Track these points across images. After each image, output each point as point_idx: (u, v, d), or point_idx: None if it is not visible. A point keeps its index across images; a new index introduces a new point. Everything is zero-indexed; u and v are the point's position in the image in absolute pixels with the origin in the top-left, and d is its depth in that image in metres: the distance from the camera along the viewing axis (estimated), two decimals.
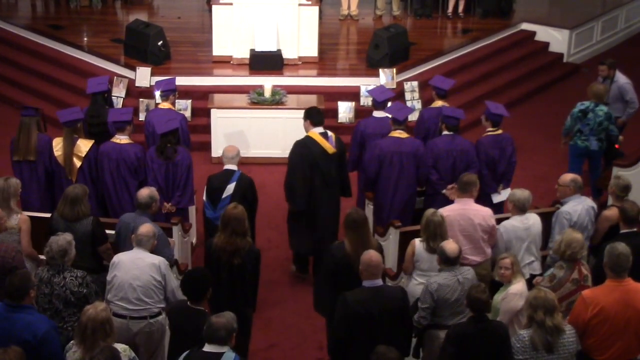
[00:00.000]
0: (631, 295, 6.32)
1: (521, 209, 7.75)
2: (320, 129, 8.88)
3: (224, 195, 8.35)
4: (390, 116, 9.16)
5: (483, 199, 8.71)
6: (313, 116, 8.94)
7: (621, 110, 10.94)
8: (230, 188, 8.36)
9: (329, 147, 8.79)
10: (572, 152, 10.53)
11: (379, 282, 6.44)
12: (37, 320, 6.05)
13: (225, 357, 5.64)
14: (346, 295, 6.33)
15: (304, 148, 8.75)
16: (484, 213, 7.82)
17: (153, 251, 7.22)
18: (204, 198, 8.56)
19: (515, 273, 6.88)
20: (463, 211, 7.74)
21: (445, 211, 7.63)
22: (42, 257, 7.32)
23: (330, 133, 8.93)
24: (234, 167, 8.52)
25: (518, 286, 6.76)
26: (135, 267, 6.86)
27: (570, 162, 10.56)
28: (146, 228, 7.01)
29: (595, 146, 10.27)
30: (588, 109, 10.22)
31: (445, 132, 9.03)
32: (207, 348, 5.69)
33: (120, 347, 5.81)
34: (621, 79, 10.98)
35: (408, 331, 6.58)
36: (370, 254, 6.45)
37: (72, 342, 5.88)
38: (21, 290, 6.04)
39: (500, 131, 9.22)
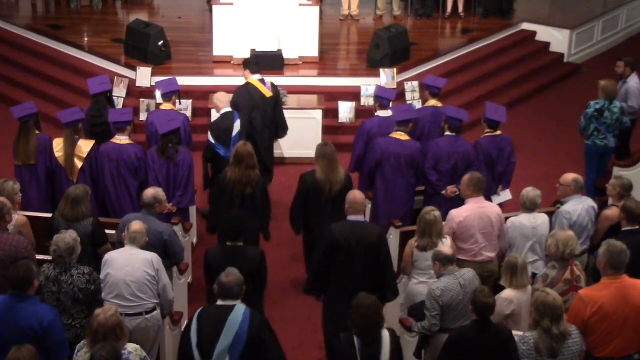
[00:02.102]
0: (628, 291, 6.34)
1: (526, 207, 7.78)
2: (258, 76, 10.10)
3: (233, 134, 9.41)
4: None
5: None
6: (251, 65, 10.18)
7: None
8: (237, 125, 9.48)
9: (266, 91, 10.04)
10: (589, 152, 10.32)
11: (361, 217, 7.32)
12: (43, 309, 6.08)
13: (237, 308, 6.01)
14: (332, 226, 7.24)
15: (245, 93, 9.93)
16: (497, 210, 7.96)
17: (167, 252, 7.36)
18: (212, 141, 9.44)
19: (513, 278, 6.82)
20: (480, 209, 7.82)
21: (464, 212, 7.76)
22: (42, 256, 7.34)
23: (266, 79, 10.14)
24: (229, 109, 9.62)
25: (509, 292, 6.73)
26: (128, 263, 6.86)
27: (588, 162, 10.38)
28: (138, 225, 7.01)
29: (613, 143, 10.18)
30: (603, 108, 10.06)
31: (447, 133, 9.00)
32: (220, 303, 6.07)
33: (131, 346, 5.81)
34: (631, 80, 10.64)
35: (385, 269, 7.23)
36: (355, 193, 7.36)
37: (83, 341, 5.87)
38: (25, 280, 6.05)
39: (498, 132, 9.20)
